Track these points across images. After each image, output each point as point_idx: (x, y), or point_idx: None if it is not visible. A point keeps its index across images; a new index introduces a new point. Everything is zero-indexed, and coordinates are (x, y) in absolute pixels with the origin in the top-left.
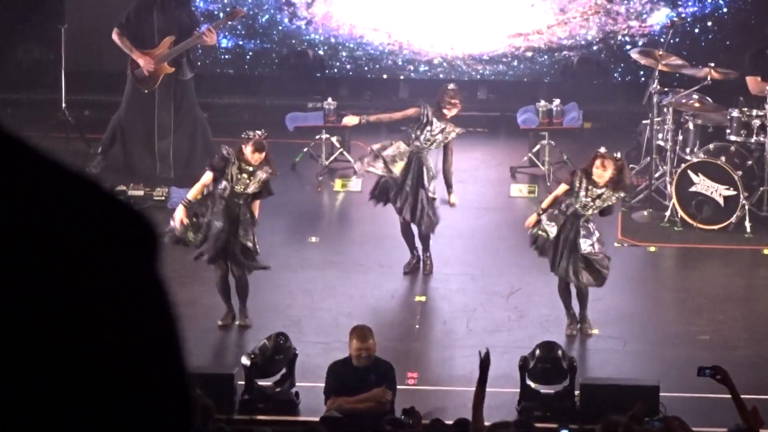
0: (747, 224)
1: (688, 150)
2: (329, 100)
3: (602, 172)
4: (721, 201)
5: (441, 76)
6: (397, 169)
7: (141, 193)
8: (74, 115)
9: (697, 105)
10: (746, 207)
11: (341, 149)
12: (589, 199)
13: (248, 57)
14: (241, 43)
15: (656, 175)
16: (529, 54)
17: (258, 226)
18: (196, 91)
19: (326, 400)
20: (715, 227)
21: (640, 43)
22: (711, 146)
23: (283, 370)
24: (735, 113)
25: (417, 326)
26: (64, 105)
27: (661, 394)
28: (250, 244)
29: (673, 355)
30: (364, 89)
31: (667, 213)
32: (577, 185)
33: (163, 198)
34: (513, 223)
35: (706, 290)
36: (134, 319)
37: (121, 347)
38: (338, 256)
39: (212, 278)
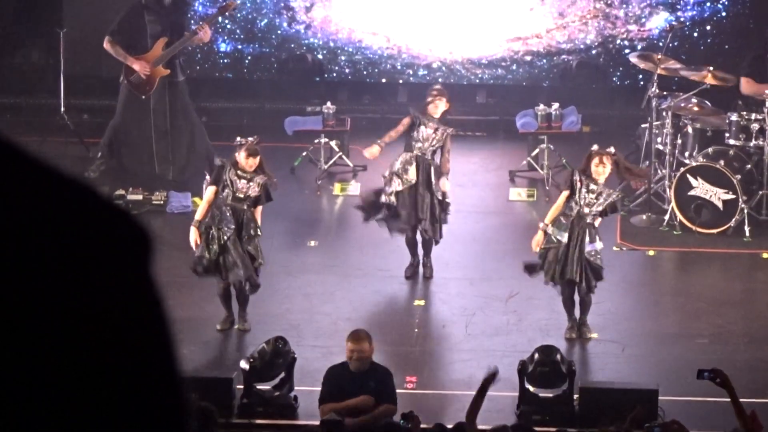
0: (746, 228)
1: (687, 154)
2: (328, 104)
3: (602, 170)
4: (720, 205)
5: (440, 80)
6: (412, 174)
7: (140, 197)
8: (73, 120)
9: (696, 109)
10: (745, 211)
11: (340, 153)
12: (592, 196)
13: (247, 61)
14: (240, 47)
15: (655, 179)
16: (528, 58)
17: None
18: (196, 95)
19: (320, 405)
20: (714, 231)
21: (639, 47)
22: (710, 150)
23: (282, 374)
24: (734, 117)
25: (416, 330)
26: (62, 109)
27: (660, 397)
28: (252, 250)
29: (672, 359)
30: (363, 93)
31: (666, 217)
32: (578, 187)
33: (162, 202)
34: (512, 227)
35: (705, 294)
36: (127, 322)
37: (115, 349)
38: (337, 260)
39: (211, 282)
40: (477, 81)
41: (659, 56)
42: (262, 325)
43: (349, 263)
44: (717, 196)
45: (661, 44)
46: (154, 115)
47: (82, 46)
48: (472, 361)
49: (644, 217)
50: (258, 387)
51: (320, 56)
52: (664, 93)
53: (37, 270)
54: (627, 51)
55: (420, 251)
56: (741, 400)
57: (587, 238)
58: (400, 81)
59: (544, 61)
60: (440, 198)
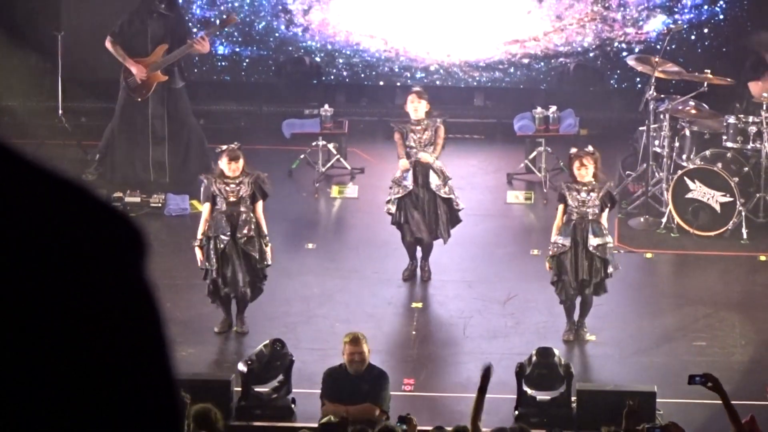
0: (743, 231)
1: (684, 156)
2: (326, 107)
3: (585, 171)
4: (717, 207)
5: (437, 83)
6: (409, 180)
7: (138, 200)
8: (71, 122)
9: (693, 112)
10: (743, 213)
11: (338, 156)
12: (585, 196)
13: (245, 64)
14: (237, 50)
15: (653, 181)
16: (526, 61)
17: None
18: (193, 98)
19: (323, 402)
20: (712, 234)
21: (637, 50)
22: (707, 153)
23: (280, 377)
24: (731, 120)
25: (414, 332)
26: (60, 112)
27: (657, 400)
28: (254, 253)
29: (669, 361)
30: (360, 96)
31: (664, 219)
32: (568, 195)
33: (160, 205)
34: (510, 230)
35: (702, 296)
36: (121, 323)
37: (109, 349)
38: (335, 263)
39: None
40: (474, 84)
41: (657, 59)
42: (260, 327)
43: (346, 266)
44: (714, 198)
45: (658, 47)
46: (152, 121)
47: (81, 49)
48: (470, 364)
49: (642, 219)
50: (256, 389)
51: (318, 59)
52: (662, 96)
53: (32, 271)
54: (624, 54)
55: (418, 254)
56: (739, 402)
57: (590, 235)
58: (398, 84)
59: (542, 63)
60: (443, 196)
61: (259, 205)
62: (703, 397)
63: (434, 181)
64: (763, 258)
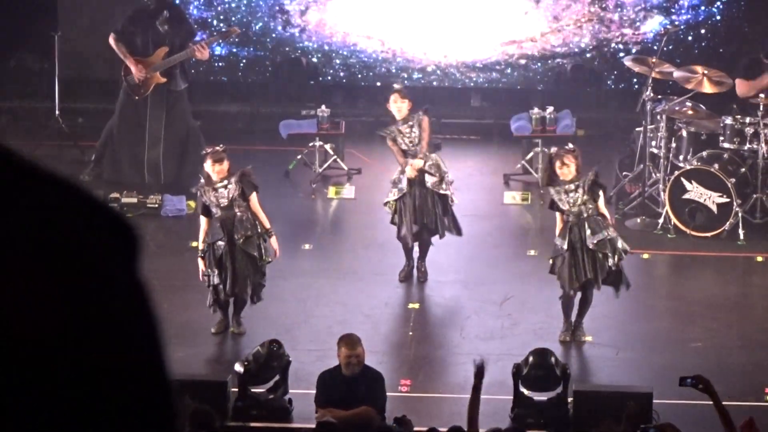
0: (740, 231)
1: (681, 157)
2: (323, 107)
3: (567, 170)
4: (714, 208)
5: (434, 83)
6: (404, 181)
7: (134, 200)
8: (68, 123)
9: (690, 112)
10: (739, 214)
11: (335, 156)
12: (572, 194)
13: (242, 64)
14: (234, 50)
15: (649, 182)
16: (523, 61)
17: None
18: (190, 99)
19: (317, 409)
20: (709, 234)
21: (634, 50)
22: (704, 154)
23: (277, 377)
24: (728, 121)
25: (410, 333)
26: (57, 113)
27: (654, 401)
28: (254, 252)
29: (666, 362)
30: (357, 97)
31: (661, 220)
32: (558, 200)
33: (157, 205)
34: (506, 231)
35: (699, 297)
36: (114, 322)
37: (103, 350)
38: (332, 264)
39: (205, 286)
40: (471, 84)
41: (654, 60)
42: (256, 328)
43: (343, 266)
44: (711, 199)
45: (655, 48)
46: (149, 122)
47: (77, 49)
48: (467, 365)
49: (639, 220)
50: (252, 390)
51: (315, 60)
52: (659, 96)
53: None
54: (622, 54)
55: (415, 254)
56: (736, 403)
57: (588, 232)
58: (395, 85)
59: (539, 64)
60: (441, 192)
61: (253, 197)
62: (699, 398)
63: (429, 180)
64: (760, 259)
